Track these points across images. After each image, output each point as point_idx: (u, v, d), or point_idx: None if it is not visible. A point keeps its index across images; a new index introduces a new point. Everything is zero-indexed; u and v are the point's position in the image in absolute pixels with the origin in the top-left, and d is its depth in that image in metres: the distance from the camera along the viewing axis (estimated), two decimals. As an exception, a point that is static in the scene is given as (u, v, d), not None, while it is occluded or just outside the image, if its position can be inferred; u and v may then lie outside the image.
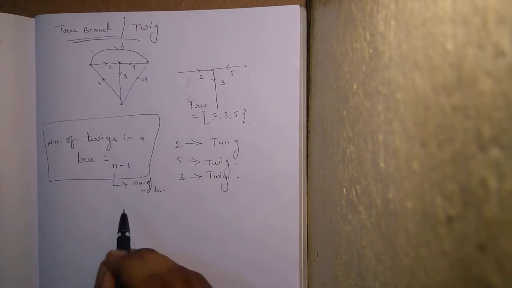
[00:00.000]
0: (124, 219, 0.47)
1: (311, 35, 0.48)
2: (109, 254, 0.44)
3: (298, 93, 0.48)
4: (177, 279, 0.39)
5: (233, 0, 0.49)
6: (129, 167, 0.49)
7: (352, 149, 0.32)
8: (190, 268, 0.44)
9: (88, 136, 0.50)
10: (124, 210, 0.48)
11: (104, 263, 0.44)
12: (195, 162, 0.49)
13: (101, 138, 0.50)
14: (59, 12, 0.50)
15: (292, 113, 0.48)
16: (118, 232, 0.46)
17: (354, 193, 0.31)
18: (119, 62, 0.50)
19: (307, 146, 0.49)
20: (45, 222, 0.50)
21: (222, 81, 0.49)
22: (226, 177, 0.49)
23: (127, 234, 0.46)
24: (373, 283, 0.27)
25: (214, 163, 0.49)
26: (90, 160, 0.50)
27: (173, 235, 0.49)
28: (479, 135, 0.17)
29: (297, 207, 0.48)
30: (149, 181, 0.49)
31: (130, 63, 0.50)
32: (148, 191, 0.49)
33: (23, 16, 0.49)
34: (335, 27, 0.37)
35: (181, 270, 0.41)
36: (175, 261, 0.44)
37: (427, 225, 0.21)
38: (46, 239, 0.50)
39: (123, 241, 0.46)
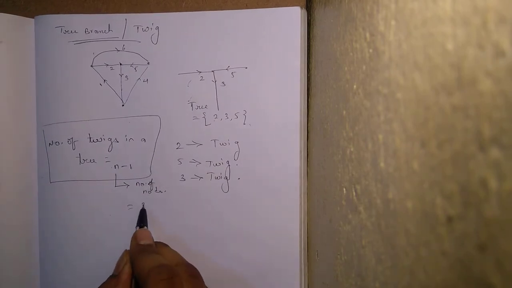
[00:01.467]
0: (143, 214, 0.48)
1: (311, 35, 0.48)
2: (134, 236, 0.46)
3: (299, 94, 0.48)
4: (184, 272, 0.40)
5: (233, 1, 0.49)
6: (130, 168, 0.50)
7: (352, 149, 0.32)
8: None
9: (90, 137, 0.50)
10: (143, 204, 0.49)
11: (126, 253, 0.45)
12: (196, 163, 0.49)
13: (102, 139, 0.50)
14: (58, 13, 0.50)
15: (293, 114, 0.48)
16: (136, 227, 0.48)
17: (354, 193, 0.31)
18: (120, 64, 0.50)
19: (307, 146, 0.49)
20: (46, 223, 0.50)
21: (223, 83, 0.49)
22: (226, 178, 0.49)
23: (145, 228, 0.48)
24: (373, 283, 0.27)
25: (214, 164, 0.49)
26: (92, 161, 0.50)
27: (174, 235, 0.49)
28: (479, 135, 0.17)
29: (297, 207, 0.48)
30: (151, 182, 0.49)
31: (131, 65, 0.50)
32: (150, 191, 0.49)
33: (22, 17, 0.49)
34: (335, 27, 0.37)
35: (190, 265, 0.43)
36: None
37: (427, 225, 0.21)
38: (47, 240, 0.50)
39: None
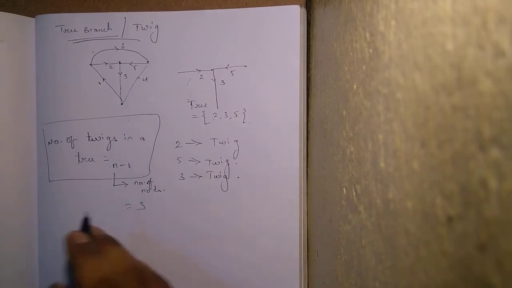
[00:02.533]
0: (86, 222, 0.43)
1: (311, 35, 0.48)
2: (68, 238, 0.41)
3: (298, 93, 0.48)
4: (131, 281, 0.36)
5: (233, 0, 0.49)
6: (129, 167, 0.50)
7: (352, 149, 0.32)
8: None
9: (88, 136, 0.50)
10: (87, 213, 0.44)
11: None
12: (195, 162, 0.49)
13: (101, 138, 0.50)
14: (59, 12, 0.50)
15: (292, 113, 0.48)
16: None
17: (354, 193, 0.31)
18: (120, 62, 0.50)
19: (307, 146, 0.49)
20: (45, 221, 0.50)
21: (222, 81, 0.49)
22: (226, 177, 0.49)
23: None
24: (373, 283, 0.27)
25: (214, 163, 0.49)
26: (90, 160, 0.50)
27: (172, 235, 0.49)
28: (479, 135, 0.17)
29: (297, 207, 0.48)
30: (149, 181, 0.49)
31: (130, 63, 0.50)
32: (148, 190, 0.49)
33: (23, 16, 0.49)
34: (335, 27, 0.37)
35: (139, 272, 0.38)
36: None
37: (427, 225, 0.21)
38: (46, 238, 0.50)
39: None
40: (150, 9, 0.50)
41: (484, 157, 0.17)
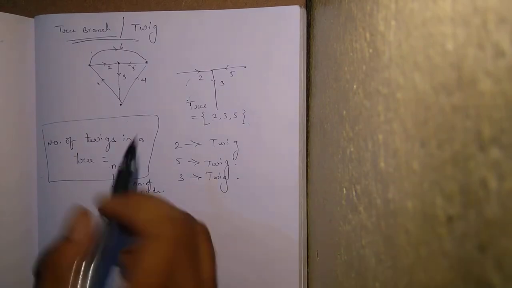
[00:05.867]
0: (132, 150, 0.39)
1: (311, 35, 0.48)
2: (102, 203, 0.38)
3: (298, 94, 0.48)
4: (187, 223, 0.37)
5: (232, 1, 0.49)
6: (128, 167, 0.49)
7: (352, 149, 0.32)
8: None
9: (87, 137, 0.50)
10: (135, 136, 0.42)
11: (83, 212, 0.38)
12: (195, 163, 0.49)
13: (100, 139, 0.50)
14: (59, 12, 0.50)
15: (292, 114, 0.48)
16: (119, 166, 0.41)
17: (354, 193, 0.31)
18: (118, 63, 0.50)
19: (307, 146, 0.49)
20: (45, 222, 0.49)
21: (222, 82, 0.49)
22: (225, 178, 0.49)
23: (132, 167, 0.38)
24: (373, 283, 0.27)
25: (213, 164, 0.49)
26: (90, 160, 0.49)
27: (172, 235, 0.49)
28: (479, 135, 0.17)
29: (297, 207, 0.48)
30: (149, 181, 0.49)
31: (129, 64, 0.50)
32: (148, 192, 0.49)
33: (22, 16, 0.49)
34: (335, 27, 0.37)
35: (187, 216, 0.39)
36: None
37: (427, 225, 0.21)
38: (46, 239, 0.49)
39: (122, 179, 0.39)
40: (150, 9, 0.50)
41: (484, 157, 0.17)
